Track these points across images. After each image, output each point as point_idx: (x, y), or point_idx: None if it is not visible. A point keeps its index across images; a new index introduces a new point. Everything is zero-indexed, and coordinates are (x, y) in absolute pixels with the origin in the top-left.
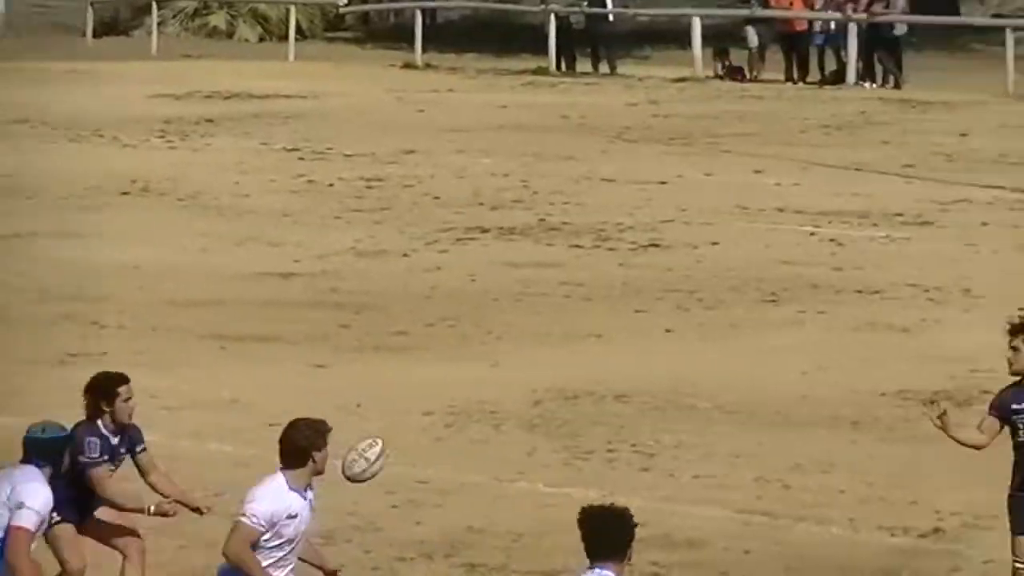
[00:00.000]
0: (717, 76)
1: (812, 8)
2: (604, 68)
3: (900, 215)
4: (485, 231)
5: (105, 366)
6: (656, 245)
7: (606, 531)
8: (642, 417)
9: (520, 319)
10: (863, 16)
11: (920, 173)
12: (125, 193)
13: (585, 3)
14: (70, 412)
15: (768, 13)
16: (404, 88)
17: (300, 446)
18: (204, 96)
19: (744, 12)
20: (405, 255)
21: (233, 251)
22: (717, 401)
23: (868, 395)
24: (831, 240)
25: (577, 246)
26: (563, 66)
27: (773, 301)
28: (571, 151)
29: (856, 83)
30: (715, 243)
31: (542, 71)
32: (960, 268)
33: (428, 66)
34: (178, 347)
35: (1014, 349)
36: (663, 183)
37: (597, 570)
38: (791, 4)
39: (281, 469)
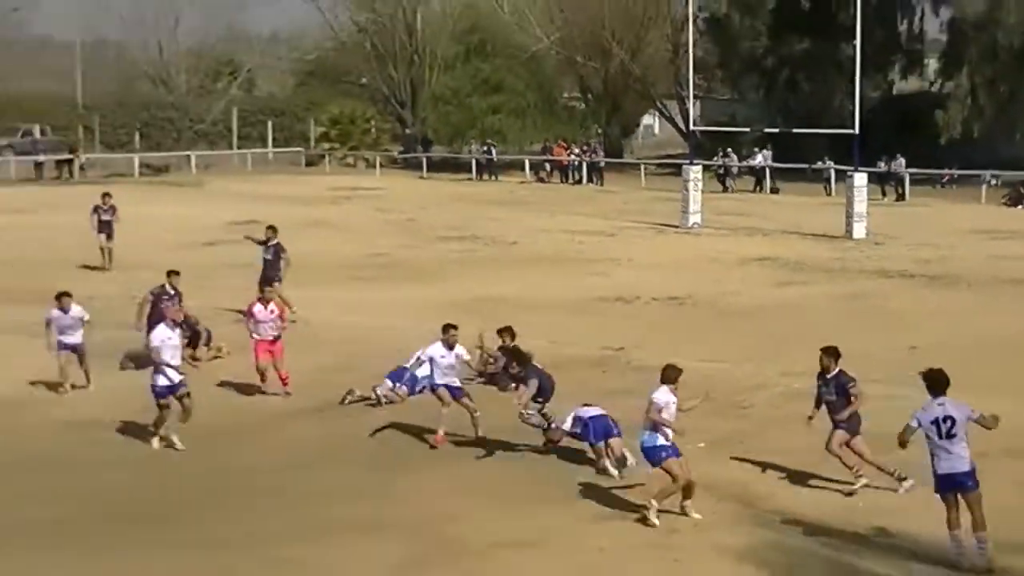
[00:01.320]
0: (538, 180)
1: (570, 154)
2: (494, 178)
3: (602, 232)
4: (446, 239)
5: (323, 289)
6: (514, 243)
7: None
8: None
9: (452, 271)
10: (587, 157)
11: (608, 216)
12: (312, 225)
13: (484, 150)
14: None
15: (546, 158)
16: (417, 185)
17: None
18: (348, 188)
19: (540, 157)
20: (413, 248)
21: (356, 246)
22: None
23: (590, 298)
24: (579, 242)
25: (479, 242)
26: (481, 176)
27: (557, 262)
28: (482, 208)
29: (587, 183)
30: (533, 243)
31: (470, 179)
32: (626, 251)
33: (426, 177)
34: (343, 280)
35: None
36: (516, 220)
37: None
38: (561, 152)
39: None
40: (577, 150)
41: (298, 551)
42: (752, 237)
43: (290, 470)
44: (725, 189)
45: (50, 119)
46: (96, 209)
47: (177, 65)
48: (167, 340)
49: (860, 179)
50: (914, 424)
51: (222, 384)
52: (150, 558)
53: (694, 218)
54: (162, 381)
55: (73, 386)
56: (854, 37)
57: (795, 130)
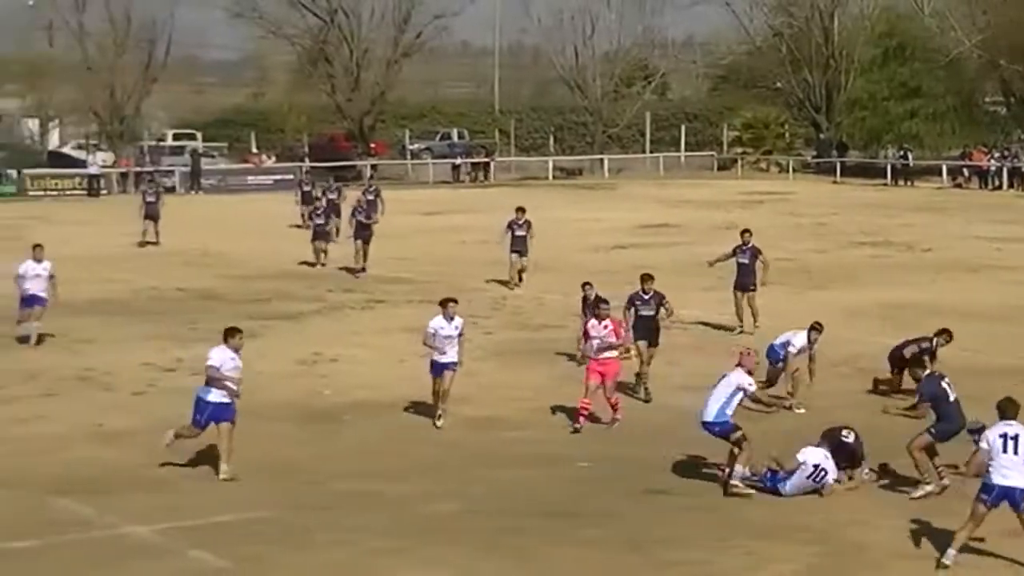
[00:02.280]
0: (955, 185)
1: (990, 159)
2: (910, 184)
3: (1022, 239)
4: (858, 244)
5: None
6: (928, 250)
7: None
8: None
9: (863, 276)
10: (1007, 163)
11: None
12: (722, 229)
13: (901, 155)
14: None
15: (964, 164)
16: (829, 189)
17: None
18: (759, 192)
19: (958, 163)
20: (823, 252)
21: (765, 250)
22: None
23: (1009, 306)
24: (997, 248)
25: (892, 248)
26: (896, 182)
27: (973, 269)
28: (896, 214)
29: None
30: (948, 249)
31: (884, 184)
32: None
33: (839, 182)
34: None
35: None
36: (931, 227)
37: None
38: (981, 157)
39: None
40: (997, 155)
41: (698, 554)
42: None
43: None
44: None
45: (467, 123)
46: (510, 225)
47: (592, 70)
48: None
49: None
50: None
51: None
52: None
53: None
54: None
55: None
56: None
57: None
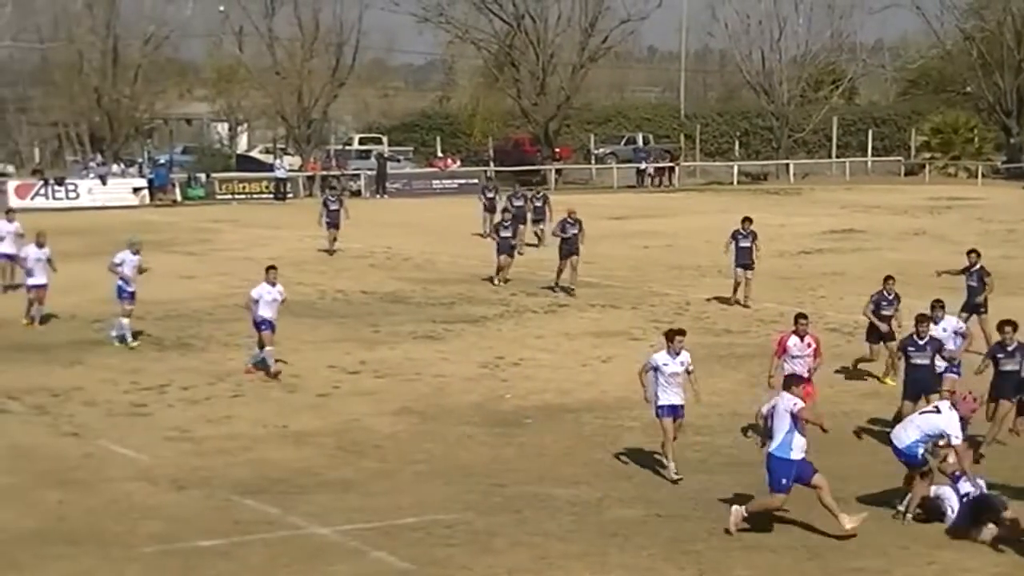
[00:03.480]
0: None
1: None
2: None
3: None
4: None
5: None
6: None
7: None
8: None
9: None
10: None
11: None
12: (910, 235)
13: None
14: None
15: None
16: (1020, 195)
17: None
18: (947, 198)
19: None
20: (1014, 259)
21: (954, 256)
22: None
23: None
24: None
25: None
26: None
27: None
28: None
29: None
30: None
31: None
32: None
33: None
34: (936, 291)
35: None
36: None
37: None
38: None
39: None
40: None
41: (878, 562)
42: None
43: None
44: None
45: (653, 127)
46: (735, 235)
47: (779, 74)
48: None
49: None
50: None
51: None
52: None
53: None
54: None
55: None
56: None
57: None
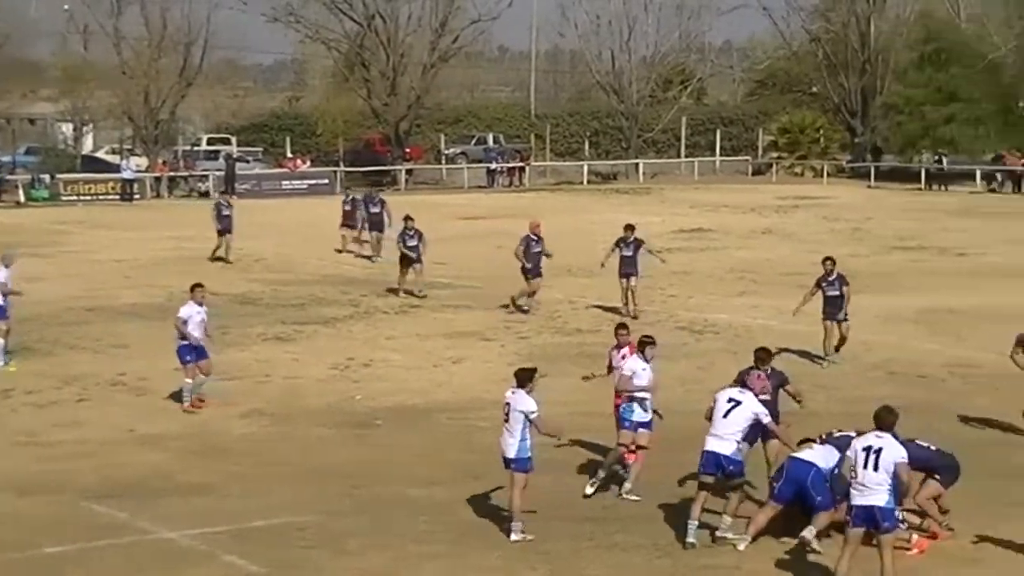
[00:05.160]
0: (989, 190)
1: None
2: (944, 188)
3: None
4: (894, 249)
5: (765, 297)
6: (962, 254)
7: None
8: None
9: (902, 281)
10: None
11: None
12: (758, 234)
13: (936, 160)
14: None
15: (998, 168)
16: (864, 194)
17: None
18: (794, 196)
19: (992, 167)
20: (860, 257)
21: (801, 255)
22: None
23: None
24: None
25: (927, 252)
26: (930, 186)
27: (1011, 275)
28: (932, 219)
29: None
30: (983, 254)
31: (919, 189)
32: None
33: (874, 186)
34: (787, 288)
35: None
36: (967, 231)
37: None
38: (1015, 161)
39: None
40: None
41: (727, 559)
42: None
43: None
44: None
45: (503, 127)
46: (618, 243)
47: (629, 74)
48: None
49: None
50: None
51: None
52: None
53: None
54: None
55: None
56: None
57: None
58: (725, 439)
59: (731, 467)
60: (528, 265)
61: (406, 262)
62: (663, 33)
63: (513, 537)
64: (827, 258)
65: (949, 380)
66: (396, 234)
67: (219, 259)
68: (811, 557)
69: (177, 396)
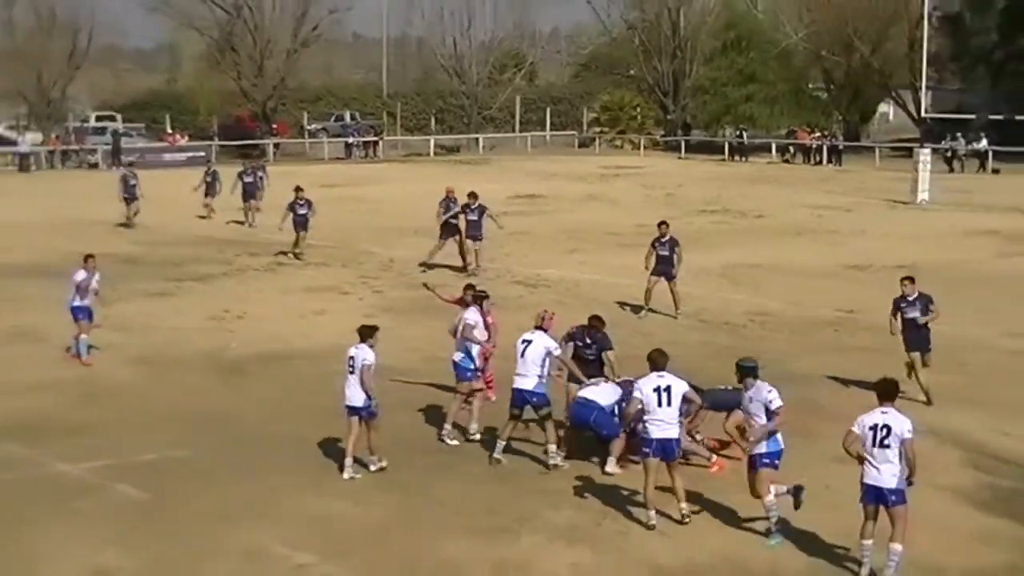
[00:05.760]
0: (784, 161)
1: (813, 138)
2: (745, 159)
3: (840, 207)
4: (702, 212)
5: (594, 254)
6: (761, 216)
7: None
8: None
9: (709, 240)
10: (827, 141)
11: (845, 193)
12: (586, 200)
13: (737, 134)
14: None
15: (791, 142)
16: (676, 164)
17: None
18: (615, 167)
19: (786, 141)
20: (672, 220)
21: (623, 218)
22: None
23: (828, 265)
24: (819, 215)
25: (729, 215)
26: (732, 158)
27: (799, 234)
28: (734, 186)
29: (827, 164)
30: (777, 216)
31: (723, 160)
32: (861, 224)
33: (684, 158)
34: (612, 247)
35: None
36: (764, 197)
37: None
38: (805, 136)
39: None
40: (819, 134)
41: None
42: (976, 213)
43: None
44: (951, 170)
45: (359, 106)
46: (464, 208)
47: (469, 58)
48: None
49: None
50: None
51: None
52: None
53: (923, 195)
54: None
55: None
56: None
57: (1018, 117)
58: (527, 376)
59: (534, 399)
60: (453, 223)
61: (297, 228)
62: (499, 21)
63: (371, 468)
64: (662, 222)
65: (750, 326)
66: (287, 204)
67: (124, 224)
68: (607, 480)
69: (67, 345)
